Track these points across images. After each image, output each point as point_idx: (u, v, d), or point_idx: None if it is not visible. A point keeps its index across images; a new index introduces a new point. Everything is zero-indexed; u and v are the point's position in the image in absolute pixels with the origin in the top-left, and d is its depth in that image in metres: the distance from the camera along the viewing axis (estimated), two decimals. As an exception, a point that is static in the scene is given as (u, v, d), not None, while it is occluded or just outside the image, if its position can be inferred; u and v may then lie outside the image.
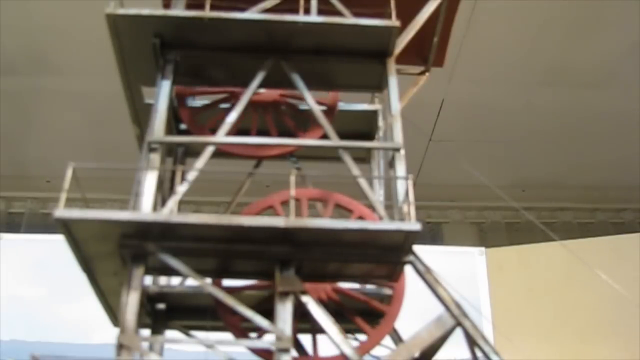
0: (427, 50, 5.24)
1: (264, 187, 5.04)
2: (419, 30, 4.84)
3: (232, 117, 4.31)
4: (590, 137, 10.24)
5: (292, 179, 3.92)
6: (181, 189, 4.05)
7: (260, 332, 3.97)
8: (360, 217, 4.40)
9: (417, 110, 4.99)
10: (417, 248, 3.91)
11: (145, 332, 4.38)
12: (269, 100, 4.94)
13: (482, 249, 9.36)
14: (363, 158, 5.09)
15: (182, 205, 4.44)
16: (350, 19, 4.39)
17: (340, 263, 3.99)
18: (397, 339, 4.43)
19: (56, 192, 3.80)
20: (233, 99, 4.80)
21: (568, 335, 8.49)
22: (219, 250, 3.87)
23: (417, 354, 3.84)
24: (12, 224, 10.84)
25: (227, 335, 4.17)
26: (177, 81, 4.51)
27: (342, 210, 4.55)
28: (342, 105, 5.04)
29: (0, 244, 8.67)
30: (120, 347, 3.47)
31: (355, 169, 4.19)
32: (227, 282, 4.27)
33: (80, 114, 9.71)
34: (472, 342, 3.84)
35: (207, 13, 4.27)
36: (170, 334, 4.55)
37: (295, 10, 4.36)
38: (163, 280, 4.56)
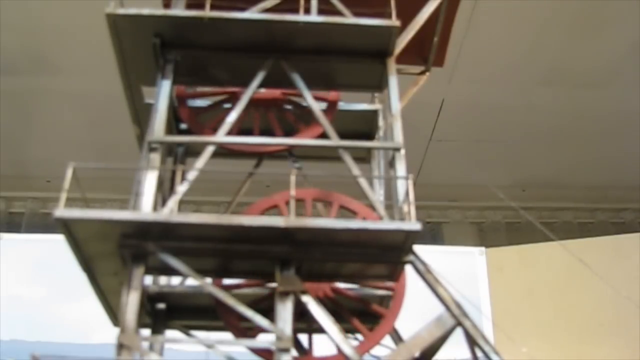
0: (427, 50, 5.24)
1: (264, 187, 5.05)
2: (419, 30, 4.83)
3: (232, 117, 4.31)
4: (591, 137, 10.24)
5: (293, 178, 3.92)
6: (181, 188, 4.05)
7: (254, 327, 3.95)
8: (342, 207, 4.41)
9: (417, 110, 4.99)
10: (417, 248, 3.92)
11: (146, 332, 4.38)
12: (269, 99, 4.94)
13: (482, 248, 9.35)
14: (363, 158, 5.09)
15: (182, 205, 4.44)
16: (350, 19, 4.39)
17: (341, 263, 3.99)
18: (397, 338, 4.43)
19: (56, 192, 3.80)
20: (233, 99, 4.81)
21: (568, 335, 8.49)
22: (219, 250, 3.87)
23: (417, 354, 3.84)
24: (12, 224, 10.83)
25: (227, 335, 4.17)
26: (177, 81, 4.50)
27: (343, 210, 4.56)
28: (342, 105, 5.04)
29: (0, 244, 8.66)
30: (120, 347, 3.47)
31: (355, 169, 4.20)
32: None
33: (80, 114, 9.71)
34: (472, 342, 3.84)
35: (207, 13, 4.27)
36: (171, 333, 4.55)
37: (295, 10, 4.36)
38: (163, 280, 4.56)
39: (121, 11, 4.22)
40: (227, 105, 4.91)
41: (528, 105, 9.77)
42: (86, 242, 3.76)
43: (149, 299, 4.40)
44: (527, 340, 7.31)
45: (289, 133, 4.81)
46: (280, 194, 4.45)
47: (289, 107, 4.99)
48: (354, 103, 5.18)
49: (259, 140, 4.68)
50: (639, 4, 8.25)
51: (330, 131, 4.30)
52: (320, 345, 4.32)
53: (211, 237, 3.77)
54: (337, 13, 4.43)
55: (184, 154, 5.09)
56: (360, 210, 4.44)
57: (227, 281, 4.32)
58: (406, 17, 4.66)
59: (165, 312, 4.54)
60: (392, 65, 4.53)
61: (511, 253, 9.33)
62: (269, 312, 3.74)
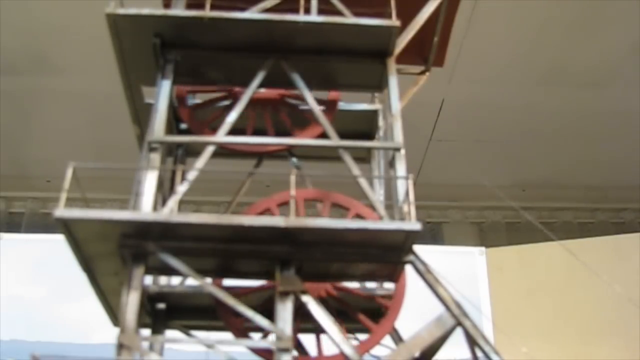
0: (427, 50, 5.24)
1: (264, 187, 5.05)
2: (419, 30, 4.83)
3: (232, 117, 4.31)
4: (590, 137, 10.25)
5: (292, 178, 3.92)
6: (181, 188, 4.05)
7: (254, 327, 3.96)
8: (358, 215, 4.40)
9: (417, 110, 4.99)
10: (417, 248, 3.92)
11: (146, 332, 4.38)
12: (270, 98, 4.94)
13: (482, 248, 9.35)
14: (363, 158, 5.09)
15: (182, 205, 4.44)
16: (350, 19, 4.38)
17: (341, 263, 3.99)
18: (397, 338, 4.43)
19: (56, 192, 3.80)
20: (232, 98, 4.82)
21: (568, 335, 8.49)
22: (219, 250, 3.87)
23: (417, 354, 3.84)
24: (12, 224, 10.83)
25: (227, 335, 4.17)
26: (177, 81, 4.50)
27: (343, 210, 4.55)
28: (342, 105, 5.04)
29: (0, 244, 8.66)
30: (120, 346, 3.47)
31: (355, 169, 4.19)
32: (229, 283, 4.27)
33: (80, 114, 9.71)
34: (472, 342, 3.84)
35: (207, 13, 4.27)
36: (171, 333, 4.55)
37: (295, 10, 4.36)
38: (163, 280, 4.56)
39: (121, 11, 4.22)
40: (225, 103, 4.92)
41: (528, 105, 9.77)
42: (86, 242, 3.76)
43: (149, 299, 4.39)
44: (527, 340, 7.31)
45: (291, 132, 4.81)
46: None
47: (296, 102, 4.99)
48: (354, 103, 5.18)
49: (259, 140, 4.68)
50: (639, 4, 8.25)
51: (330, 131, 4.30)
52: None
53: (211, 237, 3.77)
54: (337, 13, 4.43)
55: (184, 154, 5.09)
56: (354, 207, 4.42)
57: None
58: (406, 17, 4.66)
59: (165, 312, 4.54)
60: (392, 65, 4.53)
61: (511, 253, 9.33)
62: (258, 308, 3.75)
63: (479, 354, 3.83)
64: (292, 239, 3.76)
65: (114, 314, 4.39)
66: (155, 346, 4.38)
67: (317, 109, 4.39)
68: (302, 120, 4.85)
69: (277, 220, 3.69)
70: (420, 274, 3.92)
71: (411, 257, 3.91)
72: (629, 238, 9.28)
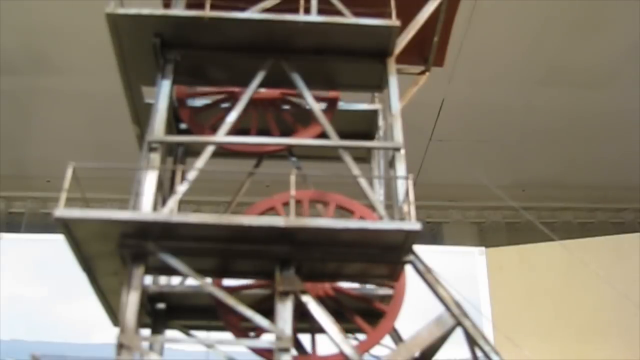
0: (427, 50, 5.25)
1: (264, 187, 5.05)
2: (419, 30, 4.84)
3: (232, 117, 4.31)
4: (590, 137, 10.25)
5: (292, 178, 3.92)
6: (181, 188, 4.05)
7: (259, 330, 3.97)
8: (339, 207, 4.40)
9: (417, 110, 5.00)
10: (417, 248, 3.92)
11: (145, 331, 4.38)
12: (268, 98, 4.94)
13: (482, 248, 9.35)
14: (363, 158, 5.09)
15: (182, 205, 4.44)
16: (350, 19, 4.39)
17: (341, 263, 3.99)
18: (397, 338, 4.43)
19: (56, 192, 3.81)
20: (233, 99, 4.81)
21: (568, 335, 8.49)
22: (219, 250, 3.87)
23: (417, 354, 3.84)
24: (12, 224, 10.83)
25: (227, 335, 4.17)
26: (177, 81, 4.51)
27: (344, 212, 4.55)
28: (342, 105, 5.04)
29: (0, 244, 8.66)
30: (120, 346, 3.47)
31: (355, 169, 4.20)
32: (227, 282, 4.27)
33: (80, 114, 9.71)
34: (472, 342, 3.84)
35: (207, 13, 4.27)
36: (170, 333, 4.55)
37: (295, 10, 4.36)
38: (163, 280, 4.56)
39: (121, 11, 4.23)
40: (226, 105, 4.91)
41: (528, 106, 9.77)
42: (86, 242, 3.76)
43: (149, 299, 4.39)
44: (527, 341, 7.31)
45: (287, 133, 4.81)
46: (279, 195, 4.44)
47: (287, 107, 4.99)
48: (354, 103, 5.18)
49: (258, 140, 4.68)
50: (639, 4, 8.26)
51: (330, 131, 4.30)
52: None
53: (211, 237, 3.77)
54: (337, 13, 4.43)
55: (184, 154, 5.09)
56: (357, 210, 4.42)
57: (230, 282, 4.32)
58: (406, 17, 4.66)
59: (165, 312, 4.54)
60: (392, 65, 4.54)
61: (511, 253, 9.32)
62: (271, 313, 3.75)
63: (479, 354, 3.83)
64: (292, 238, 3.76)
65: (114, 314, 4.39)
66: (155, 346, 4.38)
67: (317, 109, 4.39)
68: (288, 125, 4.86)
69: (276, 220, 3.69)
70: (420, 274, 3.92)
71: (411, 257, 3.91)
72: (629, 238, 9.27)
